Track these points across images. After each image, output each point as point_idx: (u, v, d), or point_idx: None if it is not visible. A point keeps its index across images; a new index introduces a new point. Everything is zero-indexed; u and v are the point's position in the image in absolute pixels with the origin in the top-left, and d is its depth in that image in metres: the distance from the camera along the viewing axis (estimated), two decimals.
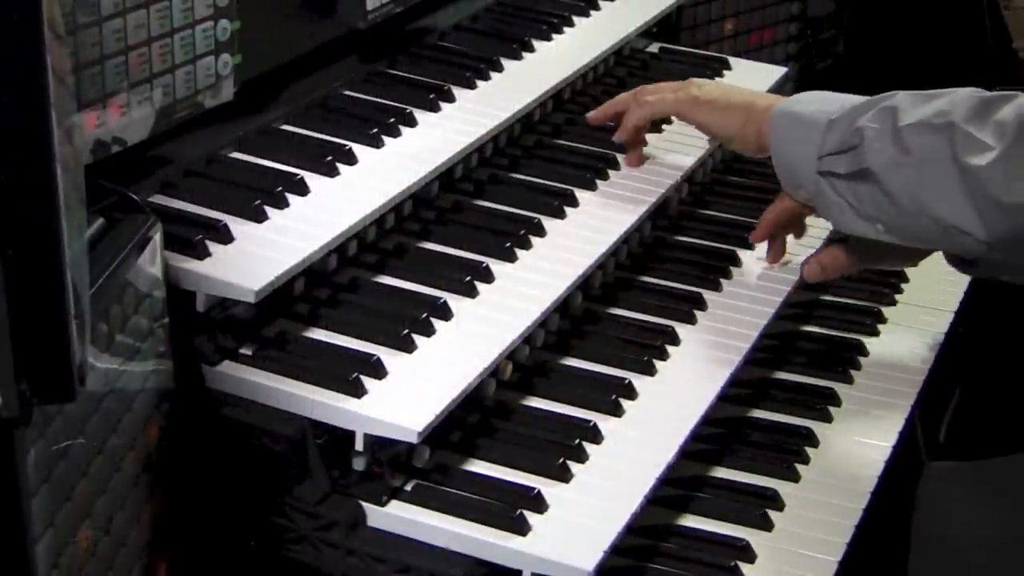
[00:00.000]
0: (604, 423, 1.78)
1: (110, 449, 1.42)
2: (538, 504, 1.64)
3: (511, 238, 1.93)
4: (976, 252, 1.82)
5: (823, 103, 1.94)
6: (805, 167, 1.91)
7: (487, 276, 1.86)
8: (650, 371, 1.89)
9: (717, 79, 2.49)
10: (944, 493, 1.97)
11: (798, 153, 1.93)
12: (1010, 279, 1.91)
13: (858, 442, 1.96)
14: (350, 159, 1.91)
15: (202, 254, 1.66)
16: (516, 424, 1.78)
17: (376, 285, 1.84)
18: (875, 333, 2.22)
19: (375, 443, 1.62)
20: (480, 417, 1.78)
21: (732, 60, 2.58)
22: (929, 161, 1.79)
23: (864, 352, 2.17)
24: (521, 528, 1.60)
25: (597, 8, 2.48)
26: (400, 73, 2.17)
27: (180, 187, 1.79)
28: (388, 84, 2.13)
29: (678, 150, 2.25)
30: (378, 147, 1.95)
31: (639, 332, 1.97)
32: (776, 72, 2.58)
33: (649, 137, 2.25)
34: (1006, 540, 1.87)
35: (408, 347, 1.71)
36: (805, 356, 2.14)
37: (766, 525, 1.79)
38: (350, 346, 1.71)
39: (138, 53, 1.70)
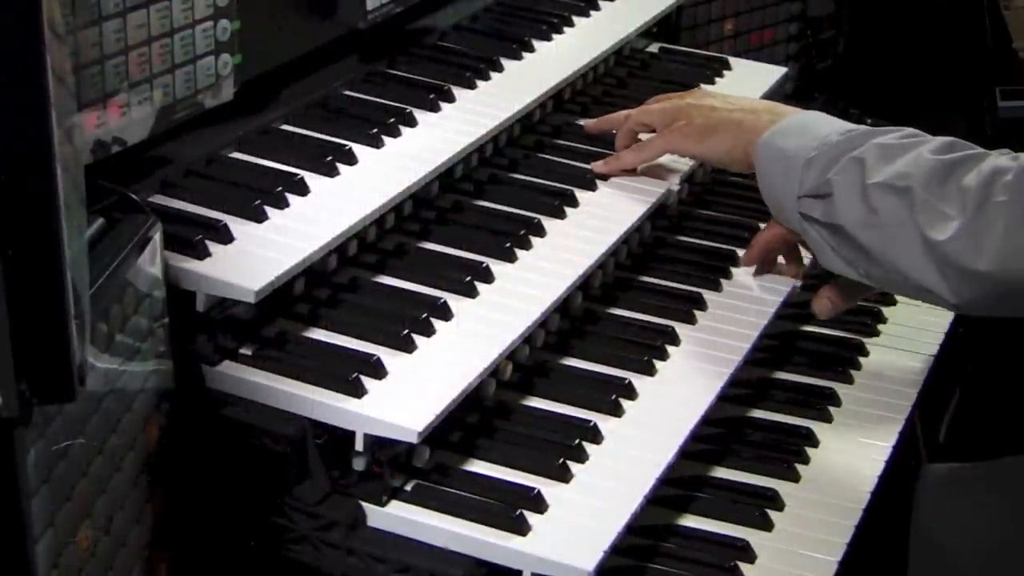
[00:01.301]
0: (604, 423, 1.78)
1: (110, 449, 1.42)
2: (538, 504, 1.63)
3: (511, 238, 1.93)
4: (950, 308, 1.85)
5: (804, 136, 1.92)
6: (788, 203, 1.92)
7: (487, 276, 1.86)
8: (650, 371, 1.89)
9: (717, 79, 2.49)
10: (942, 495, 1.97)
11: (781, 188, 1.92)
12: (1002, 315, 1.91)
13: (858, 442, 1.96)
14: (350, 159, 1.91)
15: (202, 254, 1.66)
16: (516, 424, 1.78)
17: (376, 285, 1.84)
18: (875, 333, 2.22)
19: (375, 443, 1.62)
20: (480, 417, 1.78)
21: (732, 60, 2.58)
22: (894, 225, 1.79)
23: (864, 352, 2.17)
24: (521, 528, 1.60)
25: (597, 8, 2.48)
26: (400, 73, 2.17)
27: (180, 187, 1.79)
28: (388, 84, 2.13)
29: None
30: (378, 147, 1.95)
31: (639, 332, 1.97)
32: (776, 72, 2.58)
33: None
34: (1005, 542, 1.87)
35: (408, 347, 1.71)
36: (805, 356, 2.14)
37: (766, 525, 1.79)
38: (350, 346, 1.71)
39: (138, 53, 1.70)
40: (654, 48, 2.63)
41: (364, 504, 1.64)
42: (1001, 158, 1.78)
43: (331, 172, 1.87)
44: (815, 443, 1.95)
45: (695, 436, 1.81)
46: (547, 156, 2.18)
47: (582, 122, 2.24)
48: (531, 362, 1.87)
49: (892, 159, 1.82)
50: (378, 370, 1.66)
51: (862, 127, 1.92)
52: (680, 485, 1.83)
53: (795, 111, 2.01)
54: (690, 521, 1.80)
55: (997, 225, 1.72)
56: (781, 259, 2.11)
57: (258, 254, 1.69)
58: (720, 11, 2.87)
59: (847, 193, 1.83)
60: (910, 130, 1.90)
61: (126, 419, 1.47)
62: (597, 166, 2.12)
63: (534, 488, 1.65)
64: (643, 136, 2.16)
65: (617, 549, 1.62)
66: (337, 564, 1.62)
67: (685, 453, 1.79)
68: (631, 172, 2.14)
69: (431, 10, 2.32)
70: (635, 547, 1.71)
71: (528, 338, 1.82)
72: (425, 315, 1.75)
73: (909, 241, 1.77)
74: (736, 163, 2.05)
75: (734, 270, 2.12)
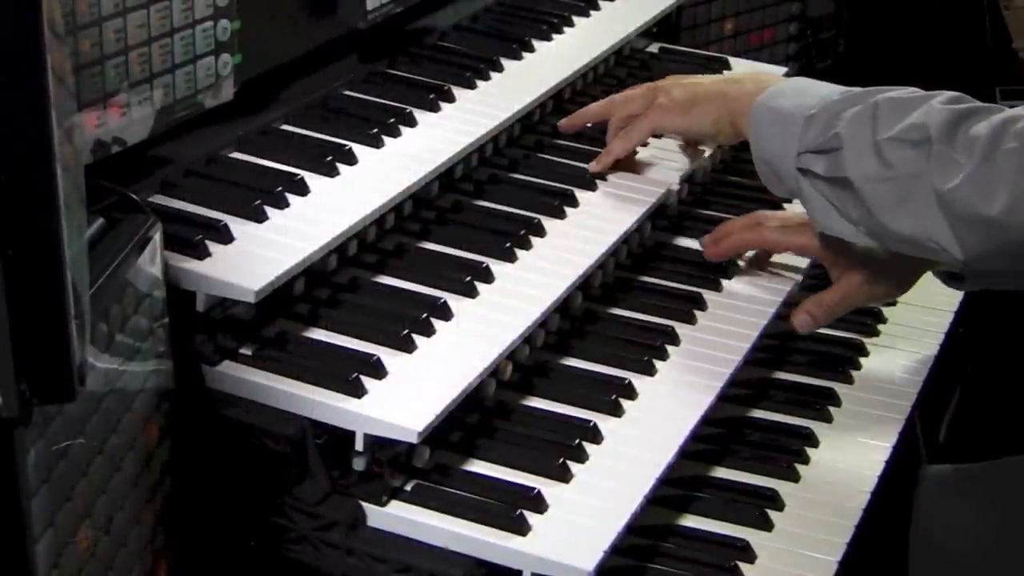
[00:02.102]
0: (604, 423, 1.78)
1: (110, 449, 1.42)
2: (538, 504, 1.64)
3: (511, 238, 1.93)
4: (956, 266, 1.84)
5: (802, 96, 1.91)
6: (785, 162, 1.90)
7: (487, 276, 1.86)
8: (650, 371, 1.89)
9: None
10: (942, 495, 1.97)
11: (779, 148, 1.90)
12: (1004, 287, 1.92)
13: (858, 442, 1.96)
14: (350, 159, 1.91)
15: (202, 254, 1.66)
16: (516, 424, 1.78)
17: (376, 285, 1.84)
18: (875, 333, 2.22)
19: (375, 443, 1.62)
20: (480, 417, 1.78)
21: (732, 60, 2.58)
22: (908, 177, 1.78)
23: (864, 352, 2.17)
24: (521, 528, 1.60)
25: (597, 8, 2.48)
26: (400, 73, 2.17)
27: (180, 187, 1.79)
28: (388, 84, 2.13)
29: (678, 150, 2.24)
30: (378, 147, 1.95)
31: (639, 332, 1.97)
32: (776, 72, 2.58)
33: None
34: (1004, 542, 1.87)
35: (408, 347, 1.71)
36: (805, 356, 2.14)
37: (766, 525, 1.79)
38: (350, 346, 1.71)
39: (138, 53, 1.70)
40: (654, 48, 2.63)
41: (364, 504, 1.64)
42: (1014, 109, 1.77)
43: (331, 172, 1.87)
44: (815, 443, 1.95)
45: (695, 436, 1.82)
46: (547, 156, 2.18)
47: (559, 123, 2.23)
48: (531, 362, 1.87)
49: (904, 112, 1.81)
50: (378, 370, 1.66)
51: (858, 88, 1.91)
52: (680, 485, 1.83)
53: (779, 77, 2.02)
54: (690, 521, 1.80)
55: (1007, 171, 1.71)
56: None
57: (258, 254, 1.69)
58: (720, 11, 2.87)
59: (858, 147, 1.81)
60: (912, 88, 1.89)
61: (126, 419, 1.47)
62: (592, 166, 2.12)
63: (534, 488, 1.65)
64: None
65: (617, 549, 1.62)
66: (337, 564, 1.62)
67: (685, 453, 1.79)
68: (631, 168, 2.14)
69: (431, 10, 2.33)
70: (635, 547, 1.71)
71: (528, 338, 1.82)
72: (425, 315, 1.75)
73: (922, 193, 1.76)
74: (722, 133, 2.04)
75: (734, 270, 2.12)
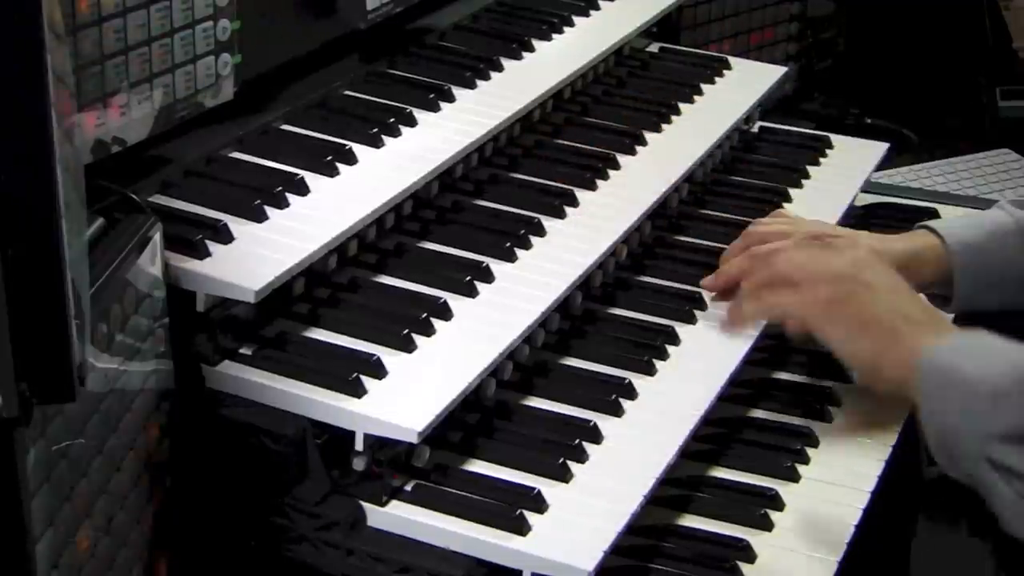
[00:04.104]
0: (604, 423, 1.78)
1: (110, 449, 1.42)
2: (538, 504, 1.64)
3: (511, 238, 1.93)
4: None
5: (985, 357, 1.60)
6: (965, 442, 1.58)
7: (487, 276, 1.86)
8: (650, 371, 1.89)
9: (717, 79, 2.49)
10: (942, 496, 1.97)
11: (956, 425, 1.59)
12: None
13: (858, 442, 1.96)
14: (350, 159, 1.91)
15: (202, 254, 1.66)
16: (516, 424, 1.78)
17: (376, 285, 1.84)
18: None
19: (375, 443, 1.62)
20: (480, 417, 1.78)
21: (732, 60, 2.58)
22: None
23: None
24: (521, 528, 1.60)
25: (597, 8, 2.48)
26: (400, 73, 2.17)
27: (180, 187, 1.79)
28: (388, 84, 2.13)
29: (678, 150, 2.25)
30: (378, 147, 1.95)
31: (639, 332, 1.96)
32: (776, 72, 2.58)
33: (649, 137, 2.25)
34: (1004, 543, 1.86)
35: (408, 347, 1.71)
36: (805, 356, 2.14)
37: (766, 525, 1.79)
38: (350, 346, 1.71)
39: (138, 53, 1.70)
40: (654, 48, 2.63)
41: (364, 504, 1.64)
42: None
43: (331, 172, 1.87)
44: (815, 443, 1.95)
45: (695, 436, 1.82)
46: (547, 156, 2.18)
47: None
48: (531, 362, 1.87)
49: None
50: (378, 370, 1.66)
51: None
52: (680, 485, 1.83)
53: (949, 324, 1.77)
54: (690, 521, 1.80)
55: None
56: None
57: (258, 254, 1.69)
58: (720, 11, 2.87)
59: None
60: None
61: (126, 419, 1.47)
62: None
63: (534, 488, 1.65)
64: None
65: (617, 549, 1.61)
66: (337, 564, 1.62)
67: (685, 453, 1.79)
68: (631, 169, 2.14)
69: (431, 10, 2.33)
70: (635, 547, 1.71)
71: (528, 338, 1.82)
72: (425, 315, 1.75)
73: None
74: (879, 374, 1.74)
75: None
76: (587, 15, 2.45)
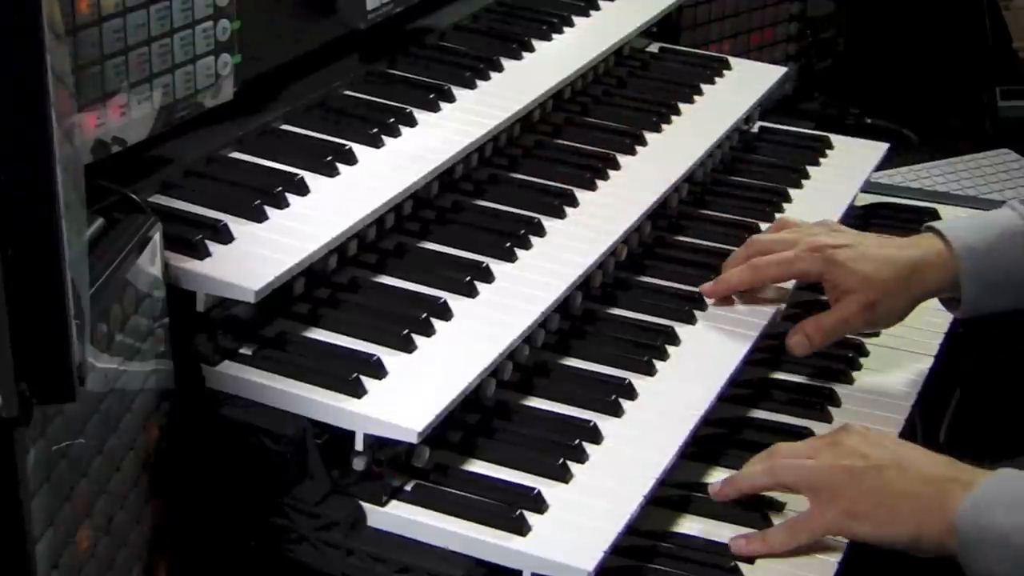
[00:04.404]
0: (604, 423, 1.78)
1: (110, 449, 1.42)
2: (538, 504, 1.64)
3: (511, 238, 1.93)
4: None
5: (1017, 507, 1.59)
6: None
7: (487, 276, 1.86)
8: (650, 371, 1.89)
9: (717, 79, 2.49)
10: None
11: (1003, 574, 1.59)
12: None
13: None
14: (350, 159, 1.91)
15: (202, 254, 1.66)
16: (516, 424, 1.78)
17: (376, 285, 1.84)
18: (875, 333, 2.22)
19: (375, 443, 1.62)
20: (480, 417, 1.78)
21: (732, 60, 2.58)
22: None
23: (864, 352, 2.17)
24: (521, 528, 1.60)
25: (597, 8, 2.48)
26: (400, 73, 2.17)
27: (180, 187, 1.79)
28: (388, 84, 2.13)
29: (678, 150, 2.25)
30: (378, 147, 1.95)
31: (639, 332, 1.96)
32: (776, 72, 2.58)
33: (649, 137, 2.25)
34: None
35: (408, 347, 1.71)
36: (805, 356, 2.14)
37: (766, 525, 1.79)
38: (350, 346, 1.71)
39: (138, 53, 1.70)
40: (654, 48, 2.63)
41: (364, 504, 1.64)
42: None
43: (331, 172, 1.87)
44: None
45: (695, 436, 1.81)
46: (547, 156, 2.18)
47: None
48: (531, 362, 1.87)
49: None
50: (378, 370, 1.66)
51: None
52: (680, 485, 1.83)
53: (983, 472, 1.67)
54: (690, 521, 1.79)
55: None
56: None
57: (258, 254, 1.69)
58: (720, 11, 2.87)
59: None
60: None
61: (126, 419, 1.47)
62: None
63: (534, 488, 1.65)
64: None
65: (617, 549, 1.62)
66: (337, 564, 1.62)
67: (685, 453, 1.79)
68: (631, 170, 2.14)
69: (431, 10, 2.33)
70: (635, 547, 1.71)
71: (528, 338, 1.82)
72: (425, 315, 1.75)
73: None
74: (925, 549, 1.67)
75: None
76: (587, 15, 2.45)
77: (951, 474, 1.68)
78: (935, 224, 2.06)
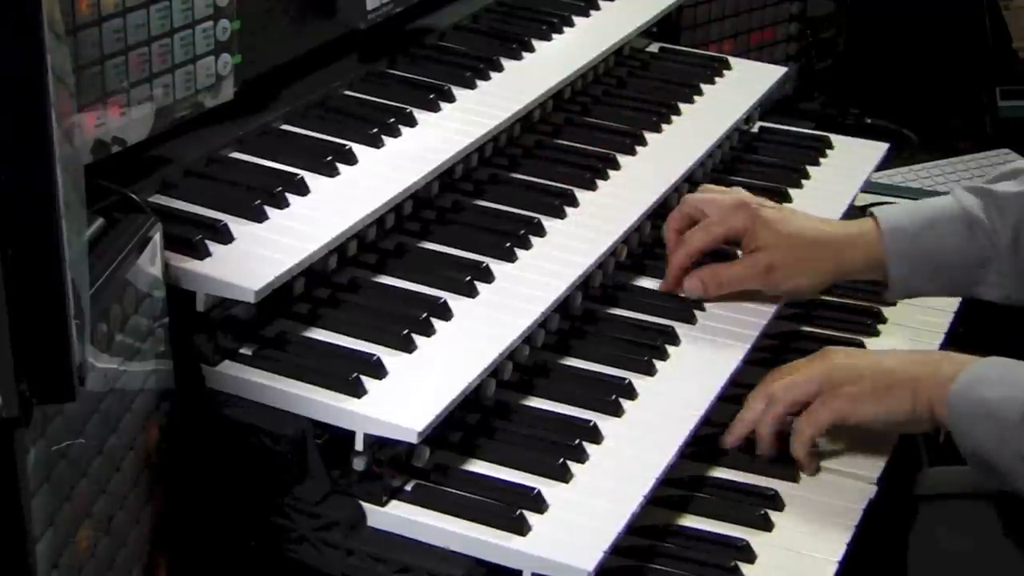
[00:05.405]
0: (604, 423, 1.78)
1: (110, 449, 1.42)
2: (538, 504, 1.64)
3: (511, 238, 1.93)
4: None
5: (1008, 384, 1.69)
6: (1005, 460, 1.69)
7: (487, 276, 1.86)
8: (650, 371, 1.89)
9: (717, 79, 2.49)
10: (941, 497, 1.97)
11: (992, 446, 1.70)
12: None
13: (859, 442, 1.96)
14: (350, 159, 1.91)
15: (202, 254, 1.66)
16: (516, 424, 1.78)
17: (376, 285, 1.84)
18: (875, 333, 2.21)
19: (375, 443, 1.62)
20: (480, 417, 1.78)
21: (732, 60, 2.58)
22: None
23: None
24: (521, 528, 1.60)
25: (597, 8, 2.48)
26: (400, 73, 2.17)
27: (180, 187, 1.79)
28: (388, 84, 2.13)
29: (678, 150, 2.25)
30: (378, 147, 1.95)
31: (639, 332, 1.96)
32: (776, 72, 2.58)
33: (649, 137, 2.25)
34: (1003, 545, 1.86)
35: (408, 347, 1.71)
36: (805, 356, 2.14)
37: (766, 525, 1.79)
38: (350, 346, 1.71)
39: (138, 53, 1.70)
40: (654, 48, 2.63)
41: (364, 504, 1.64)
42: None
43: (331, 172, 1.87)
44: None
45: (695, 436, 1.81)
46: (547, 156, 2.18)
47: (723, 439, 1.92)
48: (531, 362, 1.87)
49: None
50: (378, 370, 1.66)
51: None
52: (680, 485, 1.83)
53: (975, 358, 1.78)
54: (690, 521, 1.80)
55: None
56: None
57: (258, 254, 1.69)
58: (720, 11, 2.87)
59: None
60: None
61: (126, 419, 1.47)
62: (729, 441, 1.89)
63: (534, 488, 1.65)
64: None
65: (617, 549, 1.62)
66: (337, 564, 1.62)
67: (685, 453, 1.79)
68: (631, 174, 2.14)
69: (431, 10, 2.33)
70: (635, 547, 1.71)
71: (528, 338, 1.82)
72: (425, 315, 1.75)
73: None
74: (920, 423, 1.80)
75: None
76: (587, 15, 2.45)
77: (941, 356, 1.84)
78: (876, 208, 2.07)
